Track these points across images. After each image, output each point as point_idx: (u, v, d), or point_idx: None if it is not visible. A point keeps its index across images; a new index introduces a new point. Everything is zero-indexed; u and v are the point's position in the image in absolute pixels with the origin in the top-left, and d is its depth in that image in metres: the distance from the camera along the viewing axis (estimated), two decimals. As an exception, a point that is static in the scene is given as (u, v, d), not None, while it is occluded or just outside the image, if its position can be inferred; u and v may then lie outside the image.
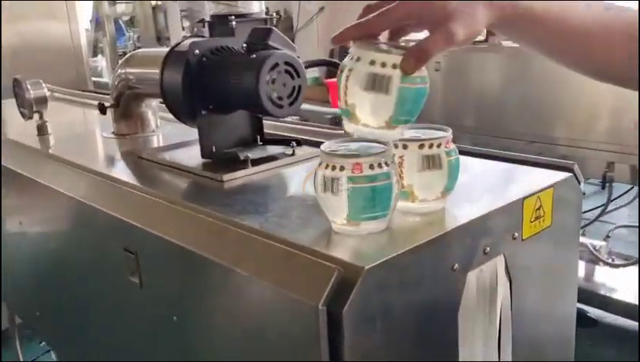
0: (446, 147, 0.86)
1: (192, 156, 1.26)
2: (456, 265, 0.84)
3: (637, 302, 2.43)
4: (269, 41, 1.14)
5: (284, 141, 1.28)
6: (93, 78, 3.90)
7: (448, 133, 0.87)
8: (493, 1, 0.71)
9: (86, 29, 5.67)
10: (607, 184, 2.67)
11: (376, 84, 0.73)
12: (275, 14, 1.30)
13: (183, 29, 4.15)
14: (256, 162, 1.17)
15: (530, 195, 0.94)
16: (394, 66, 0.72)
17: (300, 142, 1.26)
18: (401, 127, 0.76)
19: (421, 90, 0.74)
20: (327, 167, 0.80)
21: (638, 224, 2.27)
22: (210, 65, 1.20)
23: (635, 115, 2.44)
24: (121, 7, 4.84)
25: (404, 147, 0.85)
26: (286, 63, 1.13)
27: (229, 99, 1.20)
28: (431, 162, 0.85)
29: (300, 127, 1.41)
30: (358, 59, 0.74)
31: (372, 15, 0.73)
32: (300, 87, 1.16)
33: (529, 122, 2.80)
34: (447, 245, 0.83)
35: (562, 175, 1.02)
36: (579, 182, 1.05)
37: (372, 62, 0.73)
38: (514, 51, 2.79)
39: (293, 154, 1.23)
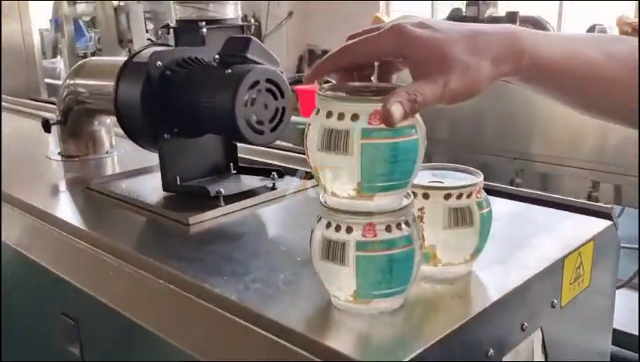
0: (477, 197, 0.68)
1: (153, 188, 1.05)
2: (491, 351, 0.65)
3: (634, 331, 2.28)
4: (248, 53, 0.95)
5: (263, 171, 1.08)
6: (51, 81, 3.62)
7: (480, 179, 0.68)
8: (503, 56, 0.56)
9: (46, 29, 5.36)
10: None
11: (332, 142, 0.56)
12: (252, 20, 1.09)
13: (147, 31, 3.92)
14: (230, 199, 0.97)
15: (571, 252, 0.77)
16: (354, 117, 0.55)
17: (282, 173, 1.06)
18: (382, 195, 0.58)
19: (401, 145, 0.56)
20: (328, 226, 0.60)
21: (638, 246, 2.13)
22: (175, 79, 0.99)
23: (620, 134, 2.34)
24: (81, 7, 4.57)
25: (425, 196, 0.67)
26: (268, 81, 0.93)
27: (198, 121, 0.99)
28: (460, 217, 0.66)
29: (281, 151, 1.21)
30: (317, 111, 0.58)
31: (346, 44, 0.59)
32: (284, 109, 0.96)
33: (510, 138, 2.66)
34: (481, 327, 0.64)
35: (601, 223, 0.85)
36: (616, 229, 0.87)
37: (329, 115, 0.56)
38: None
39: (274, 188, 1.03)
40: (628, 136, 2.31)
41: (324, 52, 6.21)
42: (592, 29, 2.69)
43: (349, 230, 0.59)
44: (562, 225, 0.85)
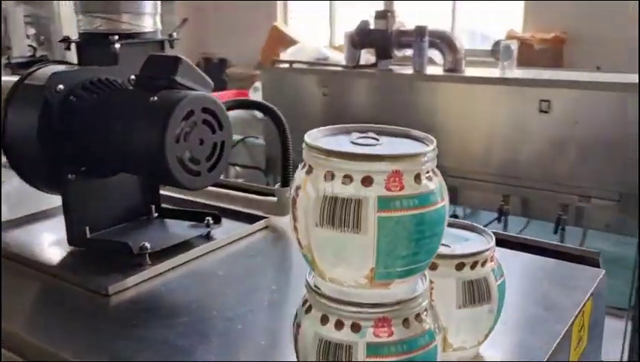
0: (491, 263, 0.55)
1: (54, 240, 0.84)
2: None
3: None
4: (177, 75, 0.77)
5: (194, 215, 0.90)
6: None
7: (492, 242, 0.55)
8: None
9: None
10: (502, 217, 2.57)
11: (337, 215, 0.41)
12: (175, 34, 0.91)
13: (28, 37, 3.54)
14: (157, 256, 0.78)
15: (577, 316, 0.66)
16: (366, 181, 0.41)
17: (218, 217, 0.88)
18: (400, 281, 0.44)
19: (428, 217, 0.42)
20: (324, 320, 0.45)
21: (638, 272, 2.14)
22: (81, 107, 0.79)
23: (531, 148, 2.36)
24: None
25: (433, 267, 0.53)
26: (205, 110, 0.76)
27: (114, 159, 0.80)
28: (476, 292, 0.53)
29: (216, 188, 1.02)
30: (309, 169, 0.43)
31: None
32: (223, 143, 0.79)
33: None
34: None
35: (593, 273, 0.75)
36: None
37: (329, 177, 0.42)
38: (405, 77, 2.61)
39: (209, 236, 0.86)
40: (539, 150, 2.35)
41: (221, 60, 6.01)
42: (497, 44, 2.70)
43: (355, 328, 0.44)
44: (553, 278, 0.74)
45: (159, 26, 0.90)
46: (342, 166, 0.41)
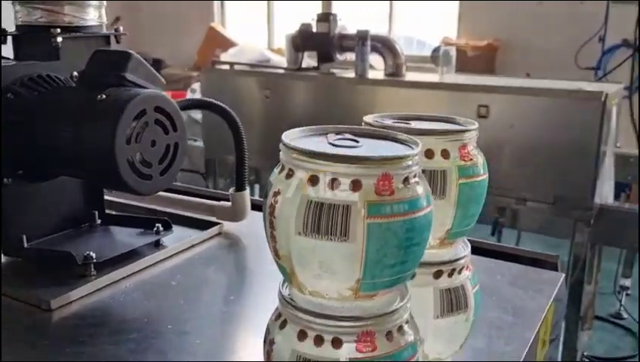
0: (467, 271, 0.53)
1: (-15, 251, 0.77)
2: None
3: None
4: (127, 72, 0.72)
5: (142, 221, 0.84)
6: None
7: (468, 251, 0.54)
8: None
9: None
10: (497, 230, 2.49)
11: (323, 222, 0.39)
12: (122, 29, 0.86)
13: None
14: (102, 266, 0.73)
15: (541, 323, 0.66)
16: (356, 185, 0.38)
17: (168, 223, 0.83)
18: (385, 292, 0.42)
19: (417, 222, 0.40)
20: (302, 336, 0.42)
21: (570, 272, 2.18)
22: (20, 105, 0.73)
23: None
24: None
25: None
26: (157, 110, 0.71)
27: (56, 162, 0.74)
28: (454, 301, 0.51)
29: (165, 193, 0.96)
30: (288, 172, 0.40)
31: None
32: (176, 145, 0.74)
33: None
34: None
35: (554, 277, 0.76)
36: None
37: (313, 181, 0.39)
38: (347, 81, 2.62)
39: (159, 244, 0.81)
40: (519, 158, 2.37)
41: (156, 60, 5.84)
42: (437, 50, 2.74)
43: (336, 343, 0.41)
44: (519, 285, 0.74)
45: (104, 19, 0.84)
46: (327, 169, 0.38)
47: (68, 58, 0.78)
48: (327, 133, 0.45)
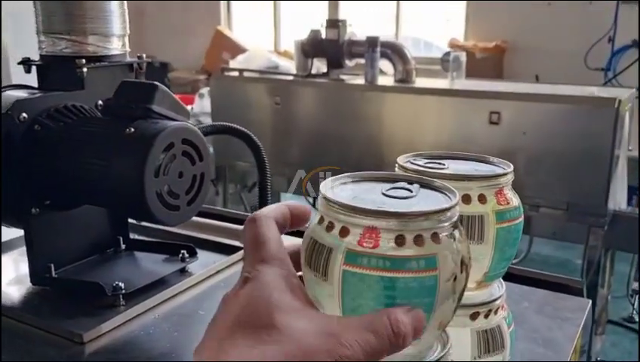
0: (502, 311, 0.53)
1: (13, 279, 0.77)
2: None
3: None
4: (154, 103, 0.72)
5: (167, 246, 0.85)
6: None
7: (503, 291, 0.54)
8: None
9: None
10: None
11: (314, 259, 0.40)
12: (145, 56, 0.86)
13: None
14: (131, 296, 0.73)
15: (572, 353, 0.66)
16: (343, 232, 0.39)
17: (193, 249, 0.84)
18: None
19: (401, 284, 0.38)
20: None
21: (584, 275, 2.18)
22: (47, 137, 0.73)
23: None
24: None
25: (446, 318, 0.51)
26: (185, 141, 0.72)
27: (83, 193, 0.74)
28: (491, 343, 0.51)
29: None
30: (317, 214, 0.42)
31: None
32: (202, 176, 0.75)
33: (373, 156, 2.62)
34: None
35: (580, 304, 0.76)
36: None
37: (321, 221, 0.40)
38: (357, 88, 2.61)
39: (184, 271, 0.81)
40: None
41: (163, 64, 5.86)
42: (447, 55, 2.74)
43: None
44: (545, 313, 0.74)
45: (127, 47, 0.85)
46: (330, 213, 0.39)
47: (92, 87, 0.79)
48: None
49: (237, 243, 0.88)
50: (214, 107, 2.87)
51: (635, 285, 2.91)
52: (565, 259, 3.11)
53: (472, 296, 0.51)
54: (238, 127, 0.88)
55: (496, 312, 0.52)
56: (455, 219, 0.39)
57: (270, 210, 0.42)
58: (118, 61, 0.82)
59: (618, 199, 2.26)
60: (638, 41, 3.82)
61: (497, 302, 0.52)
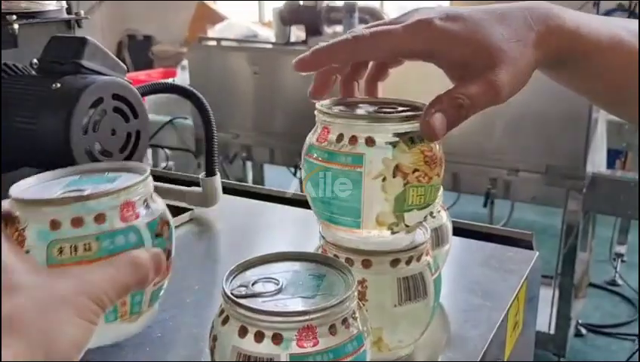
0: (426, 257, 0.52)
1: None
2: None
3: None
4: (83, 58, 0.70)
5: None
6: None
7: (428, 237, 0.52)
8: (543, 39, 0.47)
9: None
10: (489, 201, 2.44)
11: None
12: (82, 12, 0.84)
13: None
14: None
15: (512, 304, 0.65)
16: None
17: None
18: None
19: None
20: (243, 332, 0.41)
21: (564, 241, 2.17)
22: (-24, 96, 0.71)
23: (461, 124, 2.38)
24: None
25: (366, 265, 0.49)
26: (116, 97, 0.69)
27: (13, 153, 0.72)
28: (412, 289, 0.50)
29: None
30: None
31: (362, 35, 0.48)
32: (138, 133, 0.73)
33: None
34: None
35: (526, 255, 0.74)
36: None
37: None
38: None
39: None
40: (468, 126, 2.35)
41: (146, 37, 5.78)
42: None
43: (276, 339, 0.40)
44: (490, 266, 0.72)
45: (64, 3, 0.82)
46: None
47: (25, 45, 0.76)
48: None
49: (182, 205, 0.86)
50: (193, 77, 2.83)
51: (619, 248, 2.92)
52: (549, 225, 3.12)
53: (392, 241, 0.50)
54: (182, 85, 0.85)
55: (418, 259, 0.50)
56: None
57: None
58: (54, 17, 0.80)
59: (597, 162, 2.25)
60: (625, 5, 3.77)
61: (420, 248, 0.50)
